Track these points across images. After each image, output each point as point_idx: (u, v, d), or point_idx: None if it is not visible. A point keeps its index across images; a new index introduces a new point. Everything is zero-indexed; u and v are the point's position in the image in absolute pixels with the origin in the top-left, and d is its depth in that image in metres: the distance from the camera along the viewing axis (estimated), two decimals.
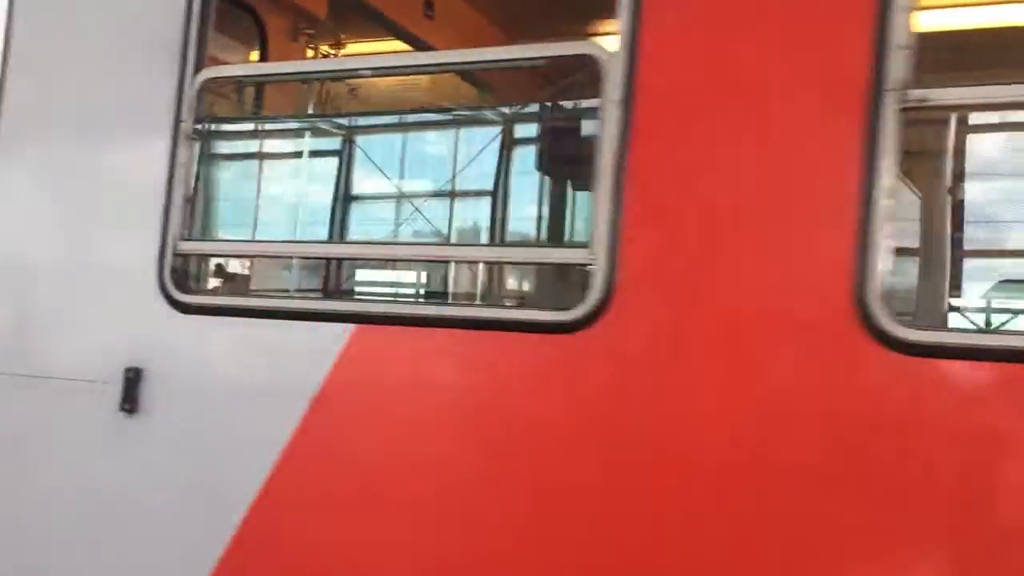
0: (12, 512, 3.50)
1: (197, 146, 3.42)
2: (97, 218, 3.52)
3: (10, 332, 3.59)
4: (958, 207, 5.71)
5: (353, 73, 3.30)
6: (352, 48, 5.18)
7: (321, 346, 3.08)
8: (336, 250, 3.90)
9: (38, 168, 3.67)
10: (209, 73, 3.40)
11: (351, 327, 3.05)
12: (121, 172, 3.51)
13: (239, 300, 3.39)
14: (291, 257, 4.05)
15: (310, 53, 4.78)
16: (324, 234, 5.35)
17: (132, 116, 3.50)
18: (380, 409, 3.02)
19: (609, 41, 2.85)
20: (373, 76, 3.91)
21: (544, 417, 2.80)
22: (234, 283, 3.92)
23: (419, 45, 5.72)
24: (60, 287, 3.53)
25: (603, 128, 2.77)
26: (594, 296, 2.73)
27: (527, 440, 2.82)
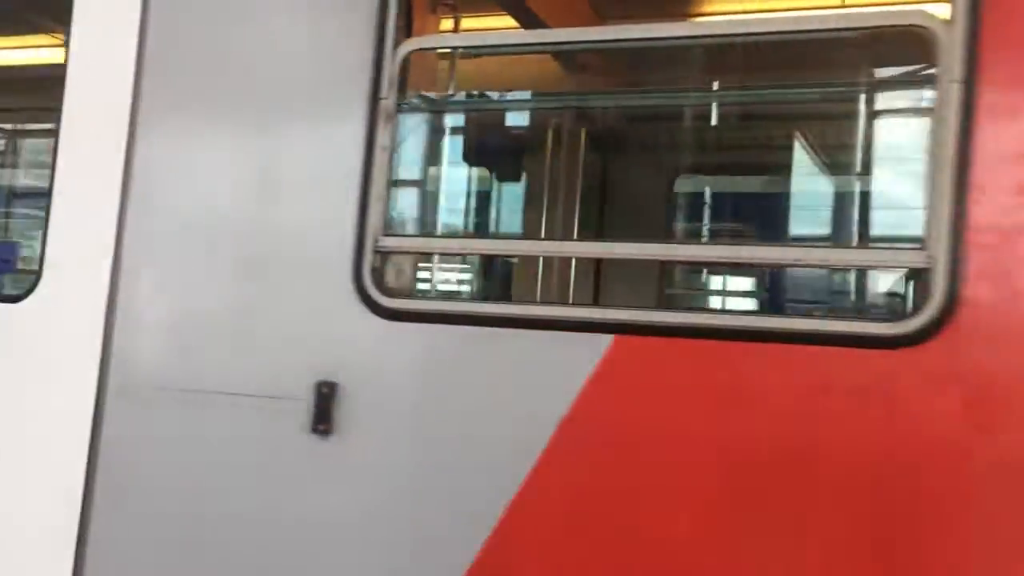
0: (188, 544, 3.03)
1: (400, 127, 2.97)
2: (279, 210, 3.04)
3: (181, 341, 3.10)
4: None
5: (590, 45, 2.85)
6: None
7: (573, 359, 2.66)
8: (578, 248, 3.38)
9: (198, 151, 3.18)
10: (415, 44, 2.95)
11: (611, 338, 2.63)
12: (306, 157, 3.04)
13: (460, 305, 2.95)
14: (517, 256, 3.57)
15: (447, 25, 4.31)
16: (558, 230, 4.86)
17: (320, 91, 3.03)
18: (648, 433, 2.61)
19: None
20: (614, 48, 3.39)
21: (860, 450, 2.41)
22: (449, 284, 3.47)
23: (529, 21, 5.29)
24: (237, 289, 3.05)
25: (939, 110, 2.39)
26: (934, 304, 2.35)
27: (837, 476, 2.43)
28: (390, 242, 2.94)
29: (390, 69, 2.94)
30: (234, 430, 3.01)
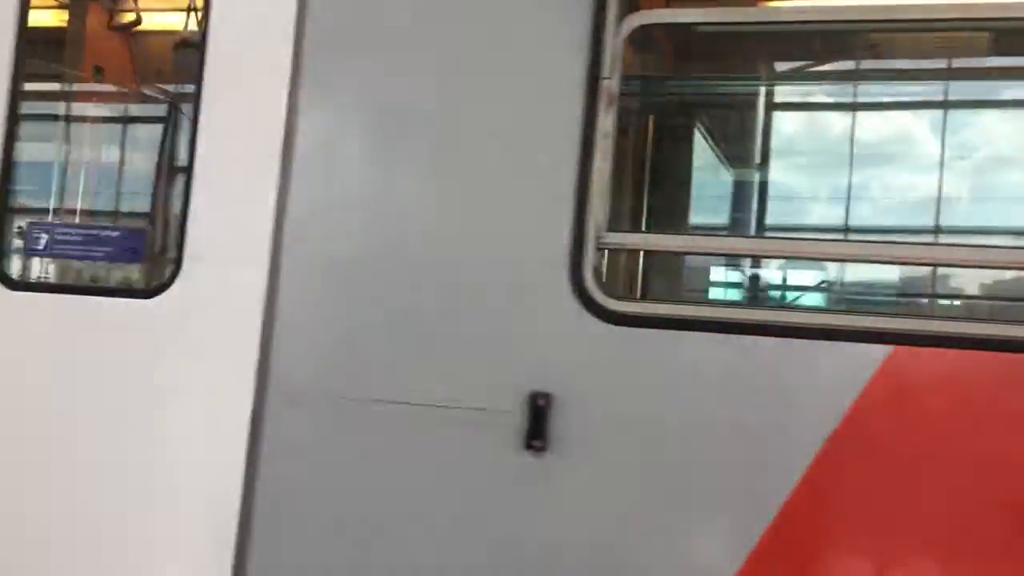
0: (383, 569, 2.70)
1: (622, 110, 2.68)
2: (480, 202, 2.72)
3: (364, 346, 2.75)
4: None
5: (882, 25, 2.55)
6: None
7: (842, 371, 2.42)
8: (848, 251, 3.02)
9: (376, 132, 2.83)
10: (641, 18, 2.66)
11: (888, 349, 2.40)
12: (512, 143, 2.72)
13: (702, 310, 2.68)
14: (782, 257, 3.23)
15: None
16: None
17: (528, 69, 2.72)
18: (930, 456, 2.38)
19: None
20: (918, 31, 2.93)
21: None
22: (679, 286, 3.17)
23: None
24: (435, 290, 2.72)
25: None
26: None
27: None
28: (616, 238, 2.65)
29: (612, 45, 2.65)
30: (431, 446, 2.68)
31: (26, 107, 3.23)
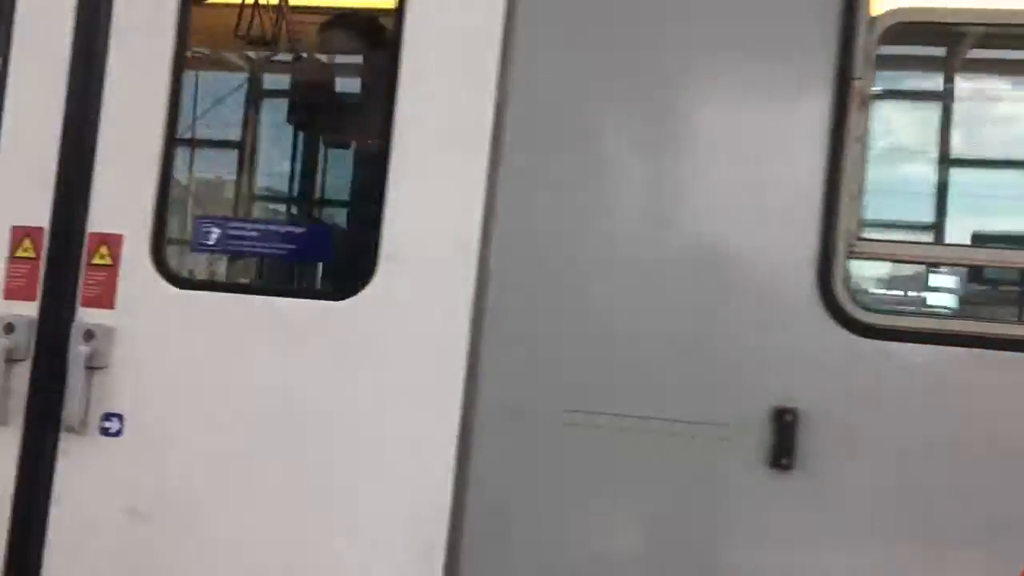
0: None
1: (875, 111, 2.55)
2: (717, 203, 2.57)
3: (597, 357, 2.58)
4: None
5: None
6: None
7: None
8: None
9: (596, 129, 2.66)
10: (902, 15, 2.52)
11: None
12: (751, 146, 2.57)
13: (966, 324, 2.55)
14: None
15: None
16: None
17: (769, 68, 2.57)
18: None
19: None
20: None
21: None
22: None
23: None
24: (667, 297, 2.56)
25: None
26: None
27: None
28: (870, 247, 2.52)
29: (865, 43, 2.51)
30: (667, 464, 2.54)
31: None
